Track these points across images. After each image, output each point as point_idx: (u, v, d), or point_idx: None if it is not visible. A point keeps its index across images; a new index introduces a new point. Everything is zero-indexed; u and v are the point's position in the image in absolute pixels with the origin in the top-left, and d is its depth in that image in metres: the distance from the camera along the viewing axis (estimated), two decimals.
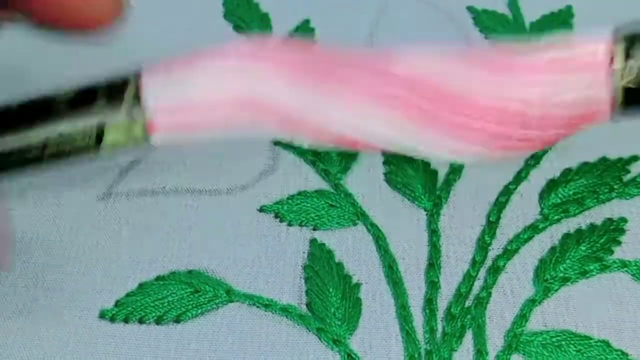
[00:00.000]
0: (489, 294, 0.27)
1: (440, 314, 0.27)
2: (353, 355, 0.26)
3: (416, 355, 0.25)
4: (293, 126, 0.20)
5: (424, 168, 0.31)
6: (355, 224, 0.29)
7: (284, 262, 0.28)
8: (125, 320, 0.27)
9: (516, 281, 0.27)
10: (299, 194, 0.30)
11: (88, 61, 0.33)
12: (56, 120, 0.20)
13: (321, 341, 0.26)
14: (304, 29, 0.37)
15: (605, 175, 0.30)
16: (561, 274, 0.27)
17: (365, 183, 0.31)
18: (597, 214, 0.29)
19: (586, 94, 0.19)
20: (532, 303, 0.27)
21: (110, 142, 0.20)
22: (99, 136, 0.20)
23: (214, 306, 0.27)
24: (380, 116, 0.20)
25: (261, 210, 0.30)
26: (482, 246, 0.28)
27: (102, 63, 0.35)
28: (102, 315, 0.27)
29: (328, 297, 0.27)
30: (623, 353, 0.25)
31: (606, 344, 0.26)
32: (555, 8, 0.38)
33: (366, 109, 0.20)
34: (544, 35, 0.36)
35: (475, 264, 0.28)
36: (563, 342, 0.26)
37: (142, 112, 0.20)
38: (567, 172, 0.31)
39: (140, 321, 0.26)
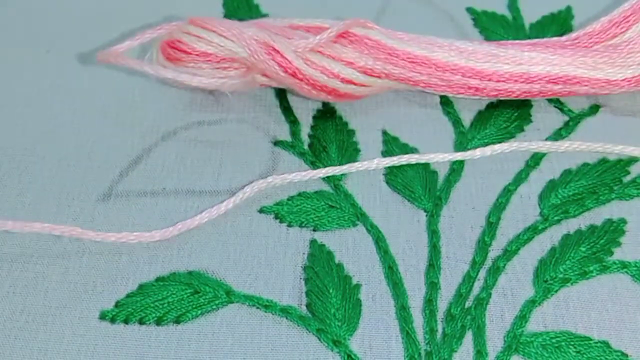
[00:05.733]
0: (489, 295, 0.27)
1: (440, 314, 0.27)
2: (353, 356, 0.26)
3: (416, 356, 0.25)
4: None
5: (424, 169, 0.31)
6: (355, 225, 0.29)
7: (284, 263, 0.28)
8: (126, 321, 0.27)
9: (516, 282, 0.27)
10: (299, 194, 0.30)
11: None
12: None
13: (321, 342, 0.26)
14: None
15: (605, 177, 0.30)
16: (561, 275, 0.27)
17: (365, 184, 0.31)
18: (596, 215, 0.29)
19: None
20: (531, 304, 0.27)
21: None
22: None
23: (214, 307, 0.27)
24: None
25: (261, 211, 0.30)
26: (482, 247, 0.28)
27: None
28: (103, 316, 0.27)
29: (328, 298, 0.27)
30: (623, 354, 0.25)
31: (606, 344, 0.26)
32: (555, 9, 0.38)
33: None
34: (544, 36, 0.37)
35: (475, 264, 0.28)
36: (563, 343, 0.26)
37: None
38: (567, 173, 0.31)
39: (141, 322, 0.26)
